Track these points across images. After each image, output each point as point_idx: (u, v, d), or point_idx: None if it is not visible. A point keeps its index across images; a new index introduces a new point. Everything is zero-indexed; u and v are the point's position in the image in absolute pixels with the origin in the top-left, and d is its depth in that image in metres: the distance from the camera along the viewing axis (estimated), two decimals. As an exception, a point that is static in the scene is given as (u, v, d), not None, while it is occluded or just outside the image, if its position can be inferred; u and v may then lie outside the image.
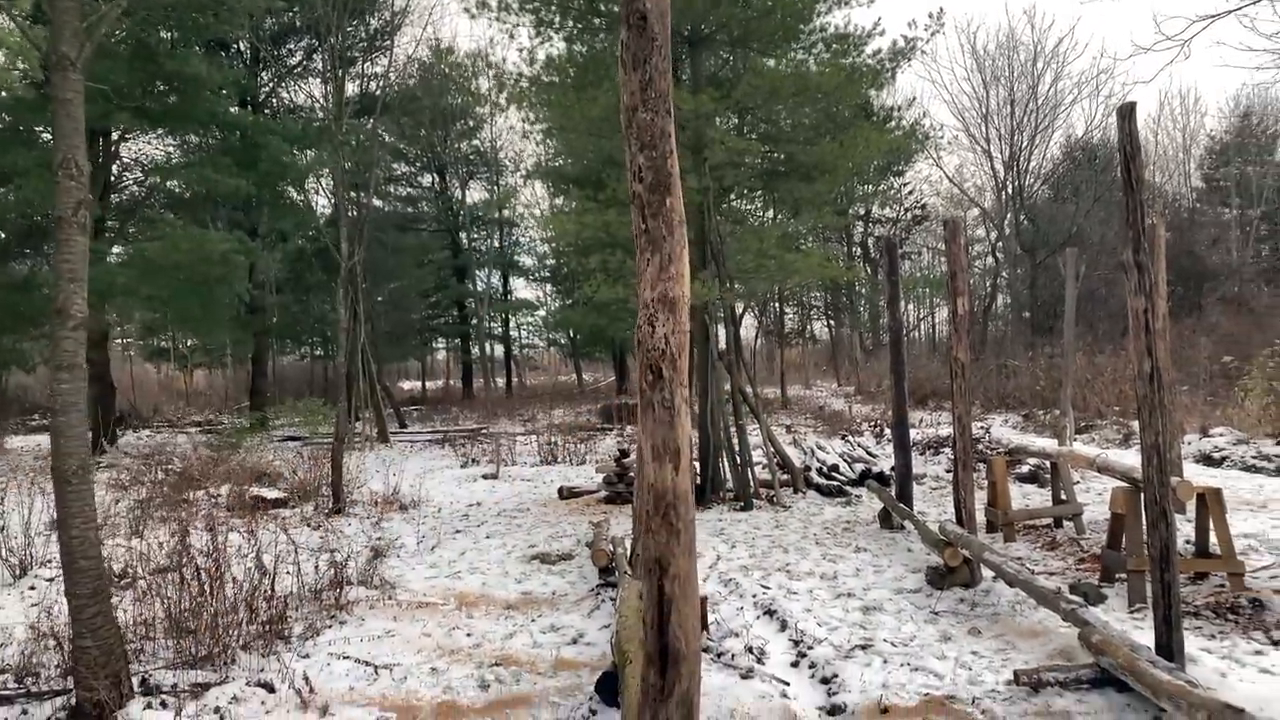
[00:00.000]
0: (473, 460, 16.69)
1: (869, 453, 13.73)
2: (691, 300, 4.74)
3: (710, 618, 5.98)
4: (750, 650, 5.36)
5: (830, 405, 26.68)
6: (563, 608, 6.69)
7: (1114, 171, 41.29)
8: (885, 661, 5.17)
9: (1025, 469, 11.67)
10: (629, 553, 6.93)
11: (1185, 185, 46.65)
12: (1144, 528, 6.22)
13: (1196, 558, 6.41)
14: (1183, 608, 5.89)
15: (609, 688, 4.48)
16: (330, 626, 6.21)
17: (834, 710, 4.59)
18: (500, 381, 41.00)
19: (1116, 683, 4.48)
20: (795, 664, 5.29)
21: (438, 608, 6.78)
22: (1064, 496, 8.52)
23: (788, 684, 4.90)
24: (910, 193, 35.61)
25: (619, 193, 11.09)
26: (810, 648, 5.43)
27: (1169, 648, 4.43)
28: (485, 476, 14.55)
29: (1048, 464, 11.33)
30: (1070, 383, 11.30)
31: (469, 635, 6.07)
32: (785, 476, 11.63)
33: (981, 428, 15.27)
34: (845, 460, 12.80)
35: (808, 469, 12.17)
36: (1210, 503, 6.21)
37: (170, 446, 17.64)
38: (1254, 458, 12.14)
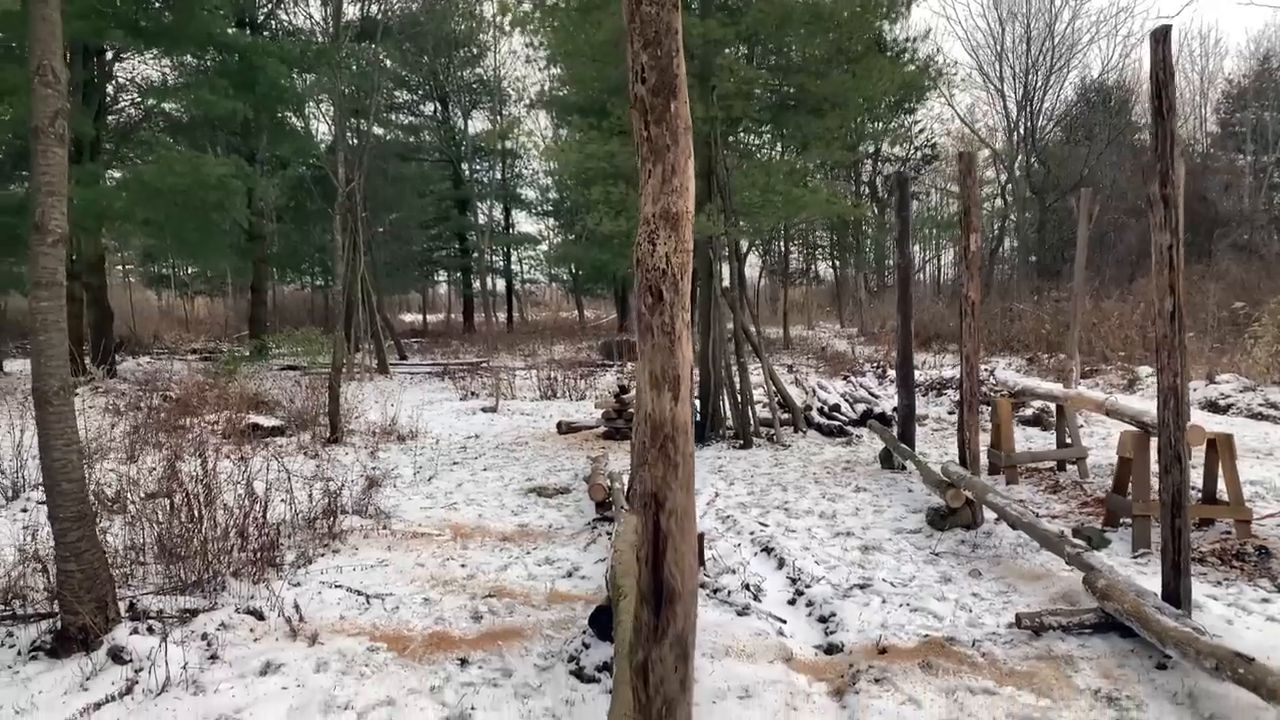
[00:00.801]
0: (472, 393, 16.61)
1: (871, 393, 13.62)
2: (696, 234, 4.55)
3: (707, 554, 5.91)
4: (747, 587, 5.29)
5: (833, 346, 26.54)
6: (559, 541, 6.62)
7: (1128, 114, 40.69)
8: (884, 601, 5.10)
9: (1029, 412, 11.56)
10: (626, 487, 6.84)
11: (1200, 129, 45.81)
12: (1151, 472, 6.13)
13: (1203, 504, 6.31)
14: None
15: (603, 622, 4.41)
16: (323, 555, 6.14)
17: (831, 649, 4.52)
18: (501, 316, 40.81)
19: (1120, 628, 4.40)
20: (792, 602, 5.22)
21: (432, 538, 6.71)
22: (1069, 440, 8.41)
23: (784, 622, 4.83)
24: (921, 131, 34.98)
25: (623, 121, 10.78)
26: (808, 586, 5.35)
27: (1177, 594, 4.34)
28: (484, 410, 14.48)
29: (1051, 407, 11.23)
30: (1078, 326, 11.12)
31: (463, 566, 6.00)
32: (786, 415, 11.52)
33: (986, 370, 15.11)
34: (847, 400, 12.68)
35: (809, 408, 12.07)
36: (1220, 449, 6.08)
37: (168, 373, 17.55)
38: (1260, 405, 12.02)
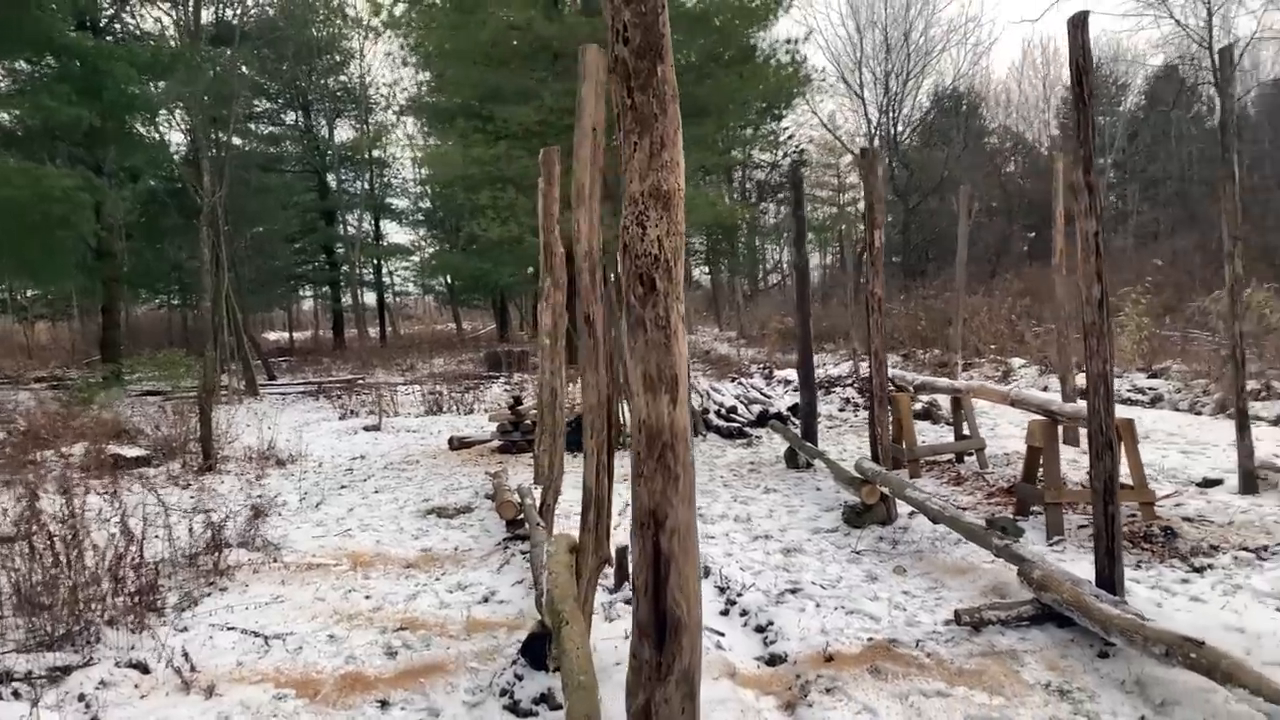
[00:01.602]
0: (351, 412, 15.88)
1: (763, 394, 13.65)
2: (594, 239, 4.30)
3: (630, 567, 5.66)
4: (679, 601, 5.06)
5: (716, 349, 26.73)
6: (468, 564, 6.25)
7: (979, 119, 42.77)
8: (818, 605, 4.96)
9: (918, 406, 11.77)
10: (539, 503, 6.52)
11: (1044, 133, 48.39)
12: (1060, 460, 6.23)
13: (1108, 488, 6.45)
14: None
15: (536, 650, 4.09)
16: (209, 594, 5.60)
17: (773, 660, 4.35)
18: (373, 331, 39.48)
19: (1057, 618, 4.38)
20: (725, 612, 5.03)
21: (329, 569, 6.23)
22: (967, 431, 8.55)
23: (722, 634, 4.62)
24: (790, 137, 35.76)
25: (509, 125, 10.46)
26: (739, 594, 5.17)
27: (1111, 580, 4.34)
28: (367, 428, 13.83)
29: (940, 400, 11.49)
30: (960, 320, 11.41)
31: (367, 598, 5.57)
32: (684, 419, 11.39)
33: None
34: (742, 402, 12.67)
35: (706, 411, 11.98)
36: (1123, 433, 6.22)
37: (10, 404, 16.13)
38: (1129, 391, 12.60)
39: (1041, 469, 6.18)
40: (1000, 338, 17.99)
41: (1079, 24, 4.06)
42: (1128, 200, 44.07)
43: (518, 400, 11.55)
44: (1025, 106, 47.40)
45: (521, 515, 6.59)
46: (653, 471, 1.92)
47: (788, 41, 14.05)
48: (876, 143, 39.08)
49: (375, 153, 35.17)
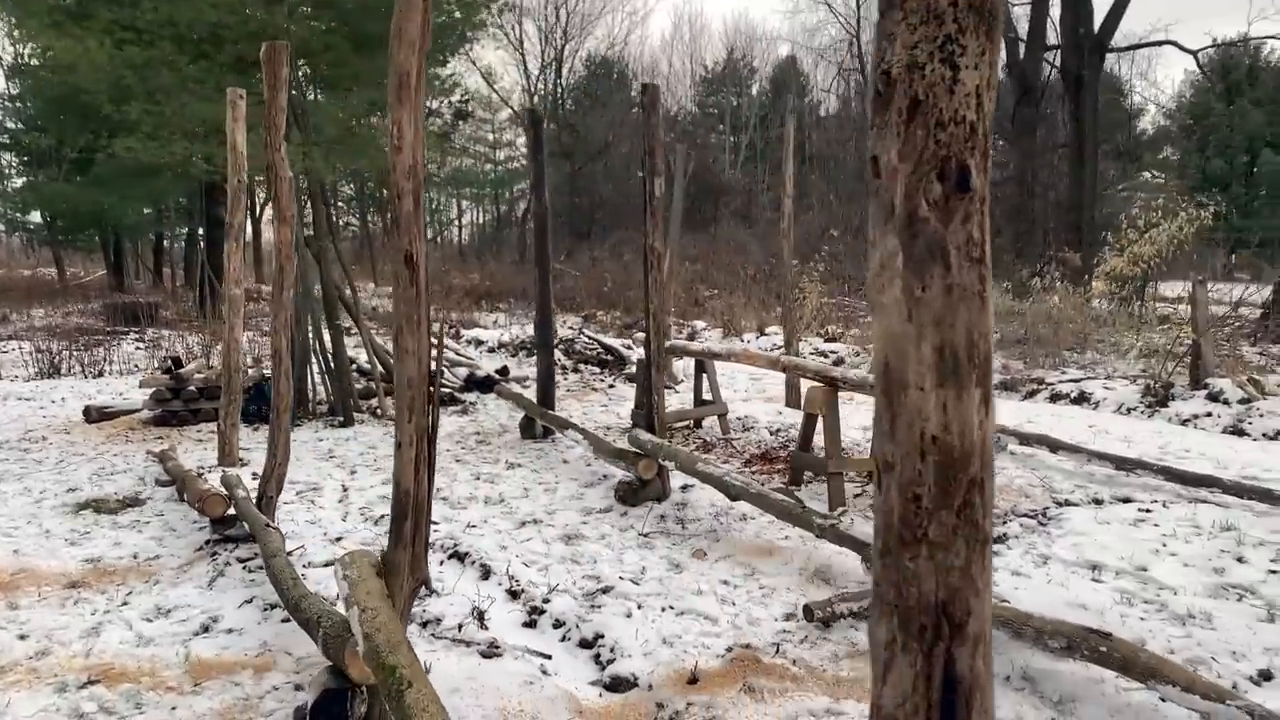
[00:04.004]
0: (-73, 373, 12.58)
1: (460, 354, 12.64)
2: (419, 149, 3.24)
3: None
4: (480, 615, 4.09)
5: (382, 306, 24.90)
6: (163, 578, 4.76)
7: (628, 90, 44.11)
8: (640, 607, 4.25)
9: (631, 369, 11.46)
10: (258, 495, 5.16)
11: (688, 107, 50.99)
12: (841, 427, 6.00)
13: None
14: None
15: (334, 713, 2.98)
16: None
17: (618, 684, 3.57)
18: (-61, 274, 32.32)
19: (908, 605, 4.03)
20: (531, 623, 4.15)
21: (-51, 599, 4.47)
22: (708, 396, 8.24)
23: (548, 656, 3.77)
24: (456, 85, 34.21)
25: (178, 26, 8.46)
26: (546, 600, 4.31)
27: (965, 562, 4.06)
28: (-42, 395, 10.92)
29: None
30: (674, 282, 11.19)
31: (23, 638, 3.99)
32: (387, 385, 10.12)
33: (571, 329, 15.00)
34: (444, 365, 11.57)
35: (407, 375, 10.77)
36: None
37: None
38: (811, 354, 13.19)
39: (822, 437, 5.91)
40: (679, 301, 18.33)
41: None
42: (756, 177, 47.76)
43: (177, 362, 9.60)
44: (675, 80, 49.56)
45: (232, 511, 5.16)
46: (948, 532, 1.03)
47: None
48: (535, 99, 38.91)
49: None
